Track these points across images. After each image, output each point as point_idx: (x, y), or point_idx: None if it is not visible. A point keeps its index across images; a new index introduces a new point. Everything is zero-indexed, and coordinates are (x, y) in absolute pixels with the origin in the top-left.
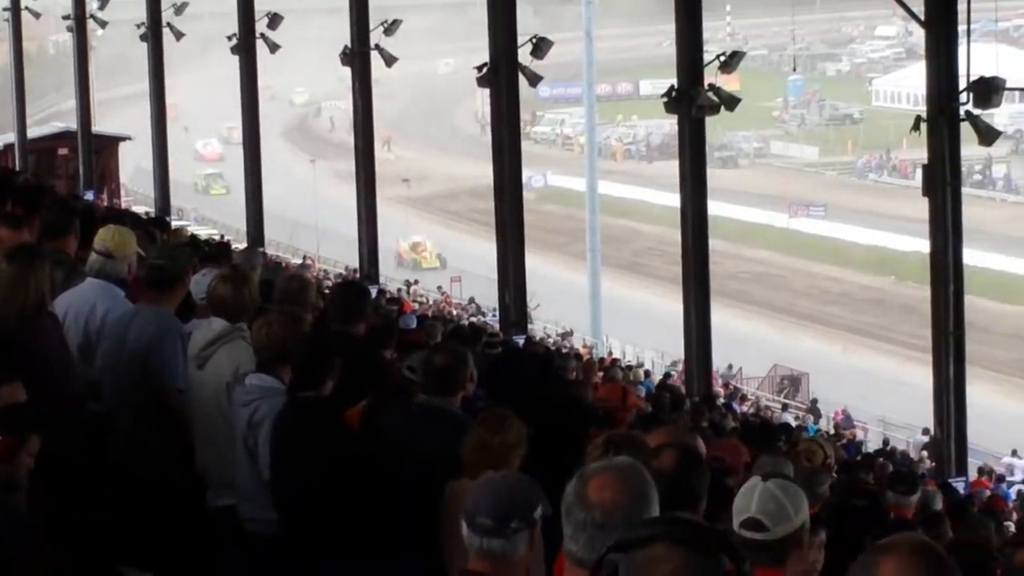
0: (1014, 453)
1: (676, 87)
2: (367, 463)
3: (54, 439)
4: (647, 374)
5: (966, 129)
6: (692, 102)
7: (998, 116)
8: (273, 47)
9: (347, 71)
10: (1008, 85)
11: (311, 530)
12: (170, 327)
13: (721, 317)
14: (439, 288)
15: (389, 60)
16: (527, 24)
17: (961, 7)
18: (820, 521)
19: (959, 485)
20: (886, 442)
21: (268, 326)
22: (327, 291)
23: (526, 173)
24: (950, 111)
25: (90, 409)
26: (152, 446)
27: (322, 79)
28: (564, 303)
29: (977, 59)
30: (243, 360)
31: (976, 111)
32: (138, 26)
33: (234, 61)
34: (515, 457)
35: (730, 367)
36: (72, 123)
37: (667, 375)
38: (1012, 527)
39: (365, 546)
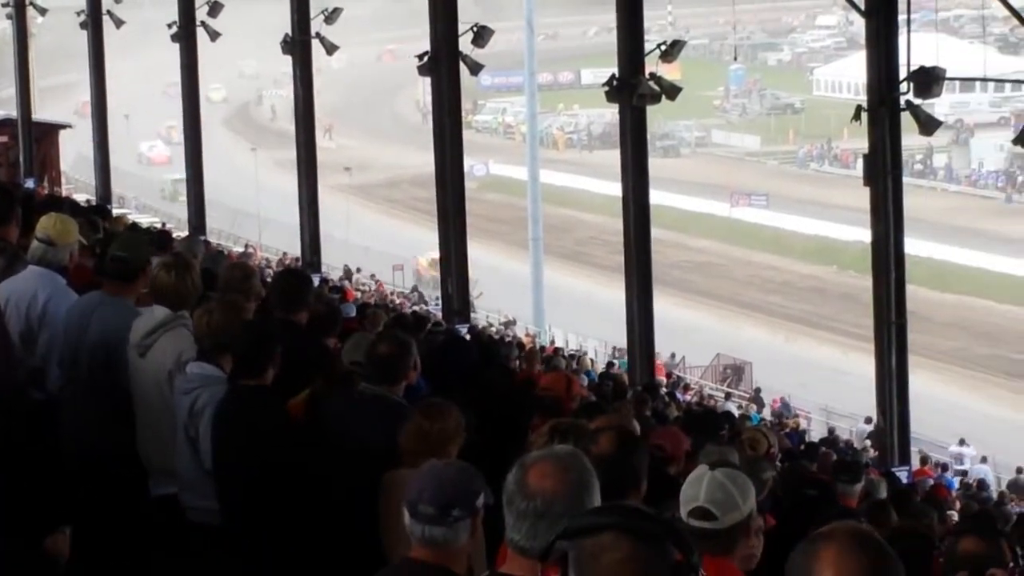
0: (962, 442)
1: (617, 76)
2: (309, 452)
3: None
4: (592, 363)
5: (907, 119)
6: (633, 91)
7: (938, 106)
8: (214, 35)
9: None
10: (948, 75)
11: (252, 519)
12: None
13: (663, 306)
14: (372, 276)
15: (330, 48)
16: (468, 13)
17: None
18: (760, 507)
19: (902, 474)
20: (832, 431)
21: (209, 315)
22: (269, 279)
23: (468, 162)
24: (891, 101)
25: (32, 397)
26: (114, 439)
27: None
28: (506, 292)
29: (917, 49)
30: (185, 348)
31: (917, 101)
32: (78, 13)
33: (172, 50)
34: (454, 446)
35: (673, 356)
36: (12, 111)
37: (610, 364)
38: (955, 516)
39: (306, 535)
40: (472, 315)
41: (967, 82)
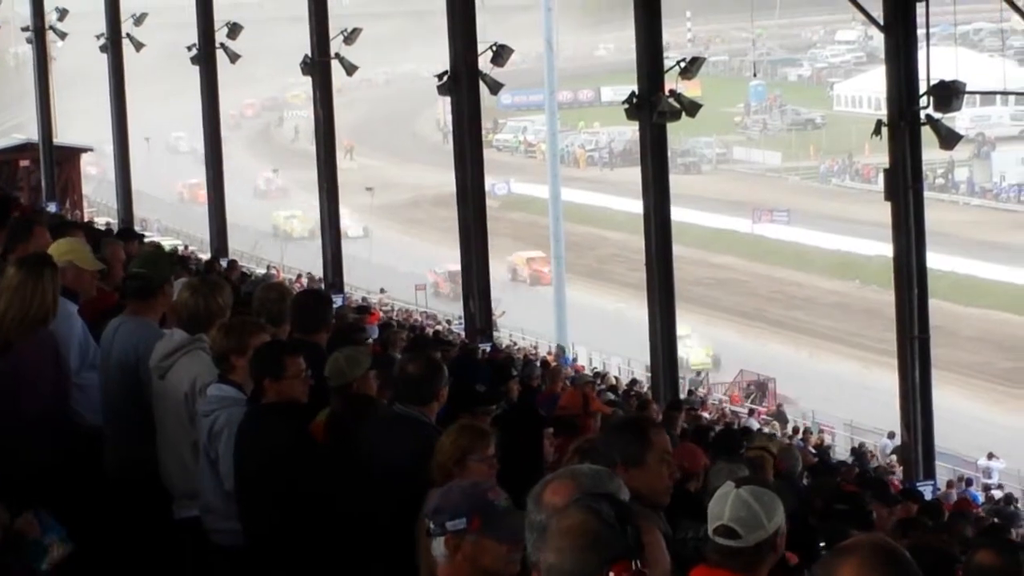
0: (991, 456)
1: (637, 93)
2: (328, 471)
3: (41, 448)
4: (616, 380)
5: (927, 133)
6: (653, 108)
7: (959, 120)
8: (233, 56)
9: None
10: (968, 89)
11: (275, 539)
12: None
13: (687, 323)
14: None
15: (350, 69)
16: (487, 32)
17: (920, 11)
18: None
19: (927, 489)
20: (861, 445)
21: (219, 331)
22: None
23: (489, 181)
24: (911, 115)
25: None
26: (144, 458)
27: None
28: (529, 310)
29: (937, 63)
30: (200, 371)
31: (937, 115)
32: (98, 37)
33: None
34: (460, 468)
35: (697, 373)
36: (34, 135)
37: (633, 381)
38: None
39: (329, 554)
40: (495, 334)
41: (987, 95)
